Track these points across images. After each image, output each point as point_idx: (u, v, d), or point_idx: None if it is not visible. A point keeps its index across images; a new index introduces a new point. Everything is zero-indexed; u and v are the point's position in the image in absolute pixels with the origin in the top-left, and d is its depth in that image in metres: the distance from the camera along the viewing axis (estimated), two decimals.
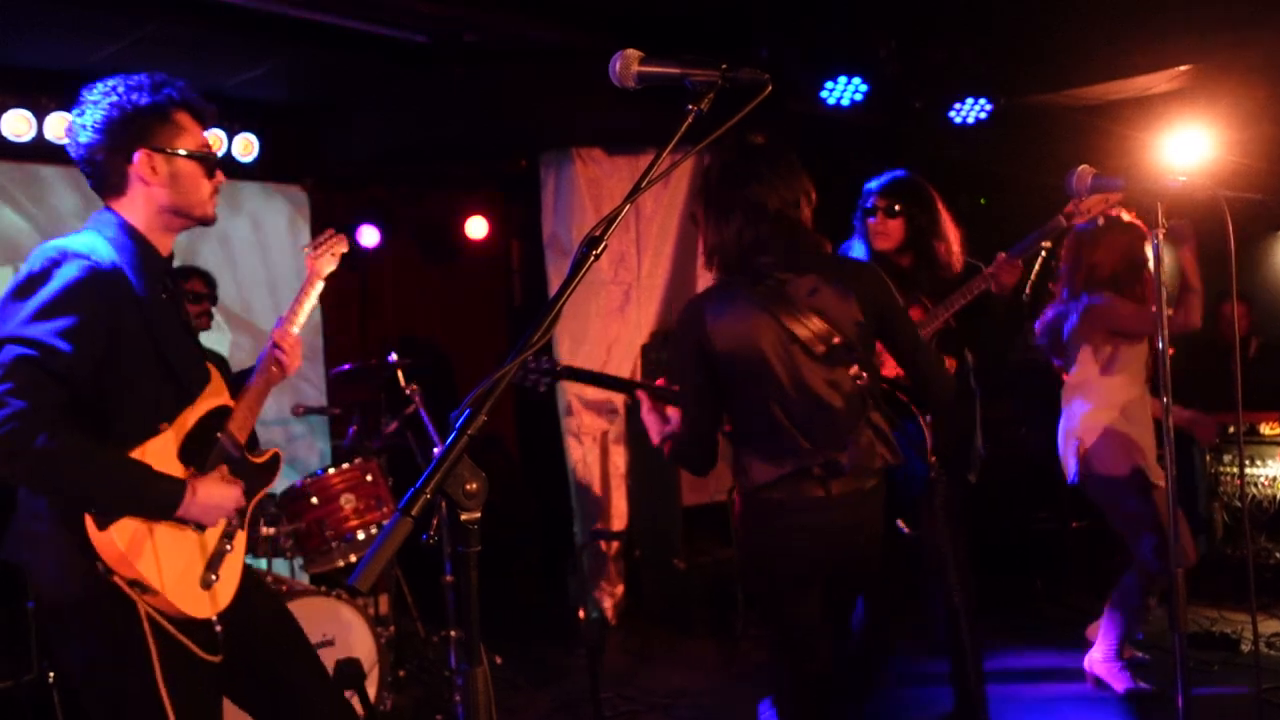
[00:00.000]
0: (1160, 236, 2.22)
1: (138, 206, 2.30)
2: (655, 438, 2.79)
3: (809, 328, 2.52)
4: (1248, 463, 5.43)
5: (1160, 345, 2.24)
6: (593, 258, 1.46)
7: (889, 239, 3.75)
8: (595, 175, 5.73)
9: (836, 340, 2.53)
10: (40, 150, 4.88)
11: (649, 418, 2.81)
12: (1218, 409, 5.31)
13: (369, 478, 4.15)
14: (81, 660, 2.20)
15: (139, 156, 2.26)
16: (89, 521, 2.08)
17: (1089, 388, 4.07)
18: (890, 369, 2.89)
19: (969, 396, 3.95)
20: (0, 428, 1.96)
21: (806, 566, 2.63)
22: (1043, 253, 4.71)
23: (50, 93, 4.81)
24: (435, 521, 3.77)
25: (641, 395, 2.86)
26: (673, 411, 2.78)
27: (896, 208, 3.73)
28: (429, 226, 6.38)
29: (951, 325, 3.72)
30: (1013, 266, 3.61)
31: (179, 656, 2.18)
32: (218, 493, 2.26)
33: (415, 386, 4.51)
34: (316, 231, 5.91)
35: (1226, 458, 5.54)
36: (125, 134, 2.26)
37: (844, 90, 4.73)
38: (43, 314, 2.05)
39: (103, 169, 2.27)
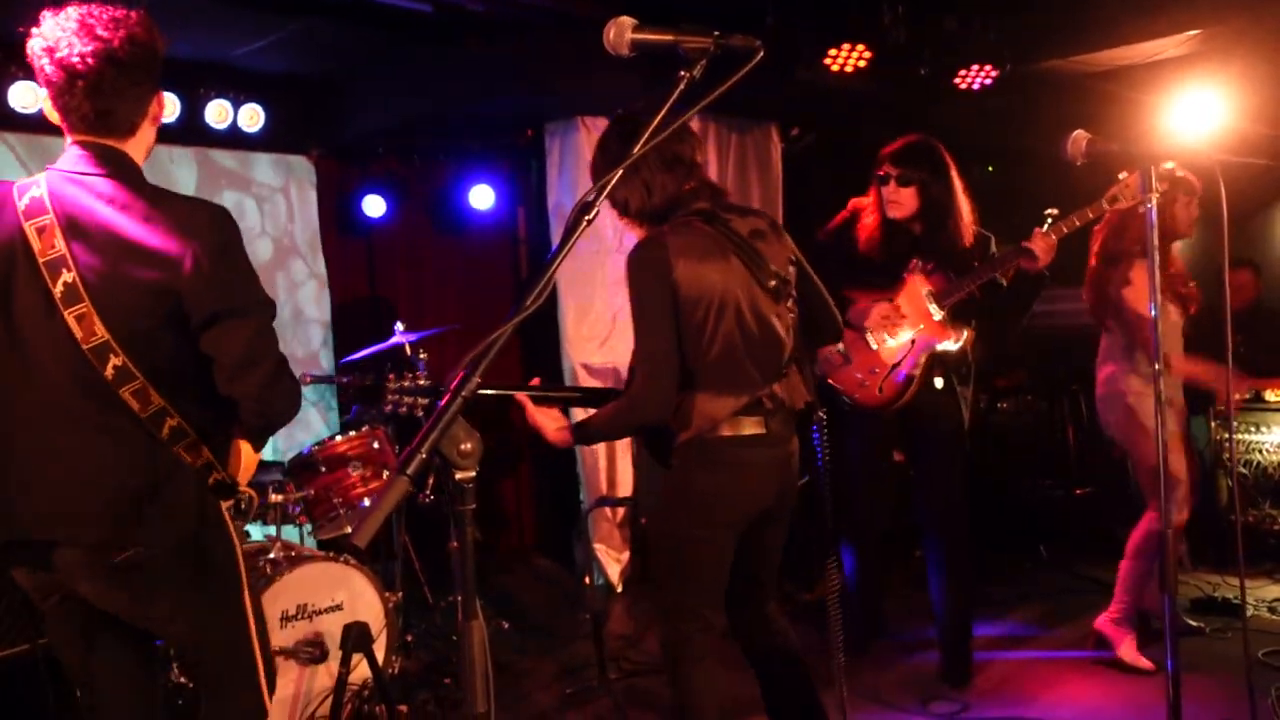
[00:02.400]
0: (1154, 201, 2.23)
1: (141, 149, 2.26)
2: (553, 434, 2.81)
3: (760, 265, 2.67)
4: (1253, 429, 5.44)
5: (1153, 311, 2.26)
6: (585, 222, 1.48)
7: (902, 208, 3.78)
8: None
9: (781, 277, 2.70)
10: (47, 122, 4.89)
11: (538, 418, 2.84)
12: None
13: (376, 445, 4.19)
14: None
15: (159, 95, 2.24)
16: None
17: (1133, 346, 4.06)
18: None
19: (965, 364, 3.99)
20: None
21: (749, 504, 2.72)
22: (1049, 219, 4.73)
23: None
24: (432, 481, 3.83)
25: (522, 399, 2.85)
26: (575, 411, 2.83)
27: (910, 176, 3.74)
28: (436, 196, 6.40)
29: (976, 296, 3.75)
30: (1048, 245, 3.61)
31: None
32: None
33: (424, 355, 4.55)
34: (324, 202, 5.98)
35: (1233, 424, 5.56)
36: (156, 69, 2.20)
37: (849, 57, 4.71)
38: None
39: (125, 104, 2.16)
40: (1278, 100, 5.28)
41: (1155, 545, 4.08)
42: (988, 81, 5.00)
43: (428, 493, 4.21)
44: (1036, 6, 4.87)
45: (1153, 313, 2.22)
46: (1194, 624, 4.49)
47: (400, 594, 4.20)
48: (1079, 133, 2.44)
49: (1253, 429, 5.44)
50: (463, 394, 1.35)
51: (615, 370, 5.78)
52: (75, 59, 2.07)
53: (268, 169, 5.82)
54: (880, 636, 4.44)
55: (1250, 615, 4.58)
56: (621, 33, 1.66)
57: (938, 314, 3.80)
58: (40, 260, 2.07)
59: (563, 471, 6.09)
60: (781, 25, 4.67)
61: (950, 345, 3.84)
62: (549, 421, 2.84)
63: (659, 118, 1.59)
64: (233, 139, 5.49)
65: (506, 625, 4.84)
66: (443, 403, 1.35)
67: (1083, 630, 4.38)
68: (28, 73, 4.72)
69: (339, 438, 4.18)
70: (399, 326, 4.69)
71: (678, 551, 2.75)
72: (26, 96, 4.73)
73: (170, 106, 5.11)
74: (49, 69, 2.11)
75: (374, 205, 5.99)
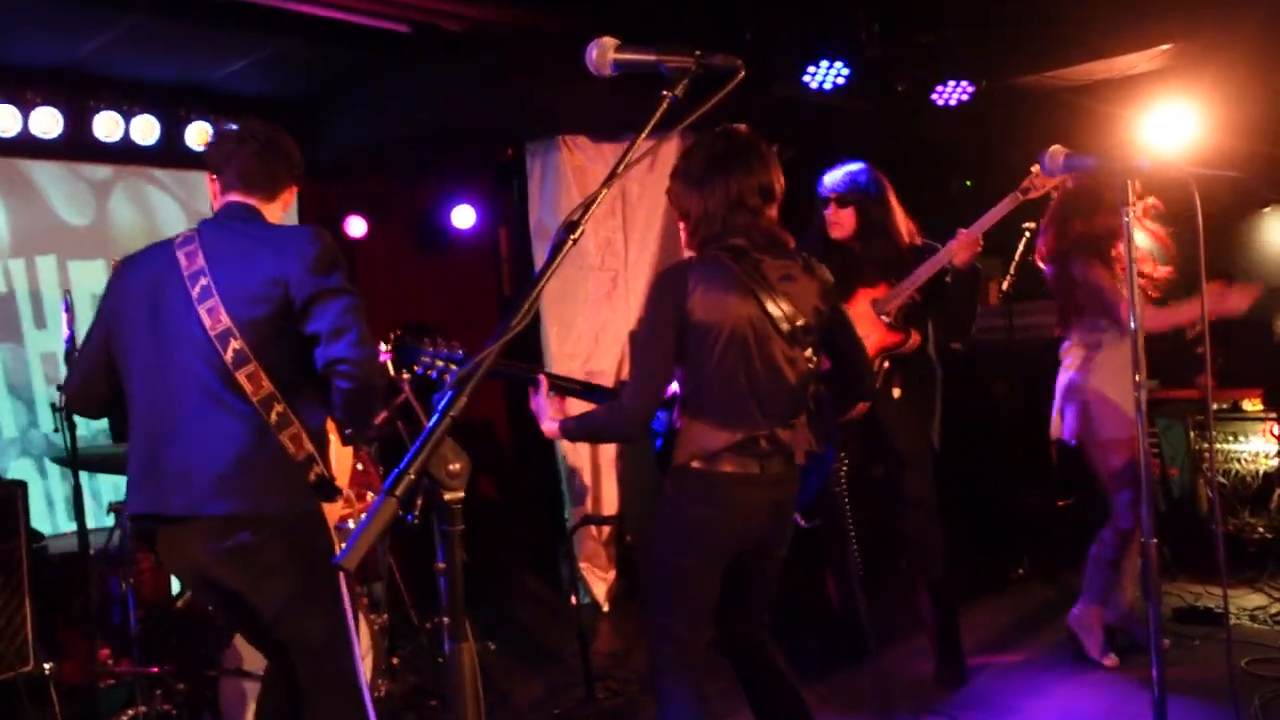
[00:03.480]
0: (1131, 214, 2.26)
1: (274, 215, 2.80)
2: (548, 423, 2.84)
3: (780, 307, 2.69)
4: (1231, 439, 5.48)
5: (1132, 323, 2.28)
6: (570, 242, 1.49)
7: (842, 228, 4.03)
8: (580, 163, 5.75)
9: (800, 322, 2.71)
10: (25, 146, 4.88)
11: (543, 402, 2.87)
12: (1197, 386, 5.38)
13: (359, 466, 4.17)
14: None
15: (294, 187, 2.88)
16: None
17: (1091, 348, 4.12)
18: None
19: (930, 370, 4.11)
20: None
21: (734, 539, 2.73)
22: (1027, 234, 4.78)
23: (36, 88, 4.81)
24: (420, 502, 3.81)
25: (542, 379, 2.91)
26: (573, 405, 2.92)
27: (847, 199, 3.99)
28: (417, 216, 6.40)
29: (916, 299, 3.96)
30: (971, 242, 3.82)
31: None
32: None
33: (406, 375, 4.54)
34: (305, 221, 5.97)
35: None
36: (295, 163, 2.87)
37: (827, 74, 4.75)
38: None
39: (269, 173, 2.78)
40: (1249, 113, 5.35)
41: (1112, 555, 4.15)
42: (964, 97, 5.06)
43: (416, 514, 4.19)
44: (1011, 22, 4.93)
45: (1133, 325, 2.24)
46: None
47: (386, 616, 4.18)
48: (1056, 147, 2.47)
49: (1231, 438, 5.48)
50: (450, 413, 1.35)
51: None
52: (246, 133, 2.78)
53: None
54: (870, 648, 4.46)
55: (1233, 624, 4.60)
56: (604, 53, 1.67)
57: (884, 319, 3.97)
58: (185, 273, 2.60)
59: (548, 490, 6.07)
60: (760, 42, 4.72)
61: (894, 348, 4.00)
62: (550, 410, 2.88)
63: (643, 134, 1.60)
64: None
65: (493, 646, 4.82)
66: (431, 422, 1.34)
67: (1068, 641, 4.40)
68: (6, 96, 4.71)
69: None
70: (381, 346, 4.67)
71: (662, 574, 2.78)
72: (6, 121, 4.72)
73: (149, 129, 5.11)
74: (227, 138, 2.79)
75: (355, 225, 5.98)
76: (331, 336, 2.50)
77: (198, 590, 2.84)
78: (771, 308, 2.67)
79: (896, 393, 4.03)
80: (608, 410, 2.76)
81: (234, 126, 2.83)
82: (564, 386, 3.01)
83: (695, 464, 2.67)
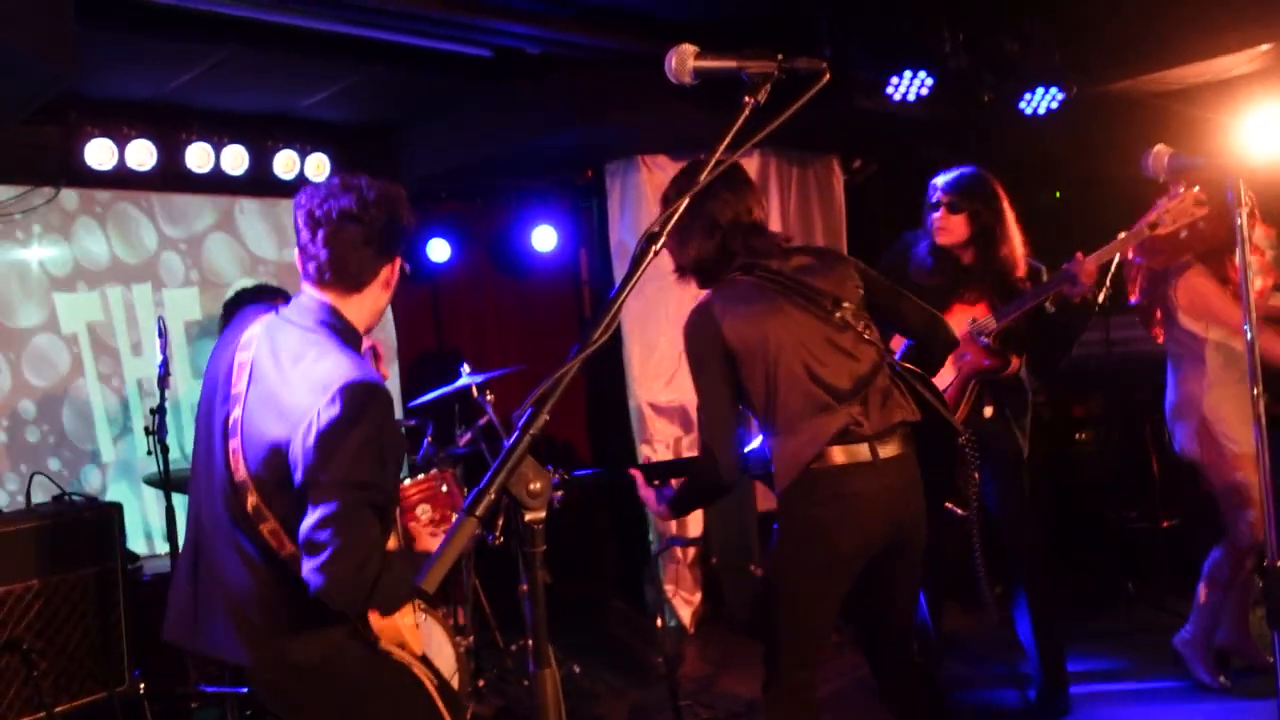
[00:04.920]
0: (1243, 216, 2.14)
1: (365, 308, 2.29)
2: (655, 506, 2.83)
3: (813, 298, 2.63)
4: None
5: (1248, 332, 2.16)
6: (652, 252, 1.45)
7: (951, 234, 3.81)
8: (660, 182, 5.72)
9: (844, 303, 2.65)
10: (122, 179, 5.03)
11: (646, 492, 2.86)
12: None
13: (444, 488, 4.18)
14: None
15: (395, 262, 2.32)
16: None
17: (1204, 355, 3.93)
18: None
19: (1021, 391, 3.94)
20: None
21: (858, 538, 2.61)
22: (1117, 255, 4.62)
23: (130, 122, 4.96)
24: (501, 522, 3.82)
25: (635, 474, 2.89)
26: (674, 483, 2.86)
27: (960, 204, 3.77)
28: (499, 238, 6.44)
29: (1021, 324, 3.74)
30: (1092, 269, 3.58)
31: None
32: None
33: (490, 397, 4.56)
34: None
35: None
36: (395, 239, 2.29)
37: (910, 85, 4.66)
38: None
39: (357, 260, 2.24)
40: None
41: (1228, 574, 3.93)
42: (1053, 105, 4.91)
43: (497, 534, 4.19)
44: (1100, 27, 4.79)
45: (1248, 334, 2.12)
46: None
47: (471, 638, 4.17)
48: (1160, 147, 2.36)
49: None
50: (531, 431, 1.32)
51: (682, 408, 5.74)
52: (319, 212, 2.19)
53: None
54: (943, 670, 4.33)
55: None
56: (684, 60, 1.64)
57: (984, 340, 3.78)
58: (231, 390, 2.23)
59: (633, 512, 6.04)
60: (840, 55, 4.64)
61: (993, 372, 3.82)
62: (653, 498, 2.87)
63: (725, 142, 1.55)
64: (300, 188, 5.58)
65: (578, 669, 4.78)
66: (510, 440, 1.31)
67: (1180, 666, 4.20)
68: (103, 130, 4.87)
69: (407, 481, 4.18)
70: (465, 369, 4.70)
71: (782, 593, 2.68)
72: (103, 154, 4.86)
73: (239, 159, 5.23)
74: (299, 218, 2.24)
75: (438, 249, 6.04)
76: (305, 548, 2.05)
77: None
78: (804, 300, 2.63)
79: (988, 411, 3.85)
80: (695, 474, 2.72)
81: (312, 197, 2.25)
82: (657, 471, 2.98)
83: (804, 470, 2.58)
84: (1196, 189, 3.37)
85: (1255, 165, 2.32)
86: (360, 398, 2.05)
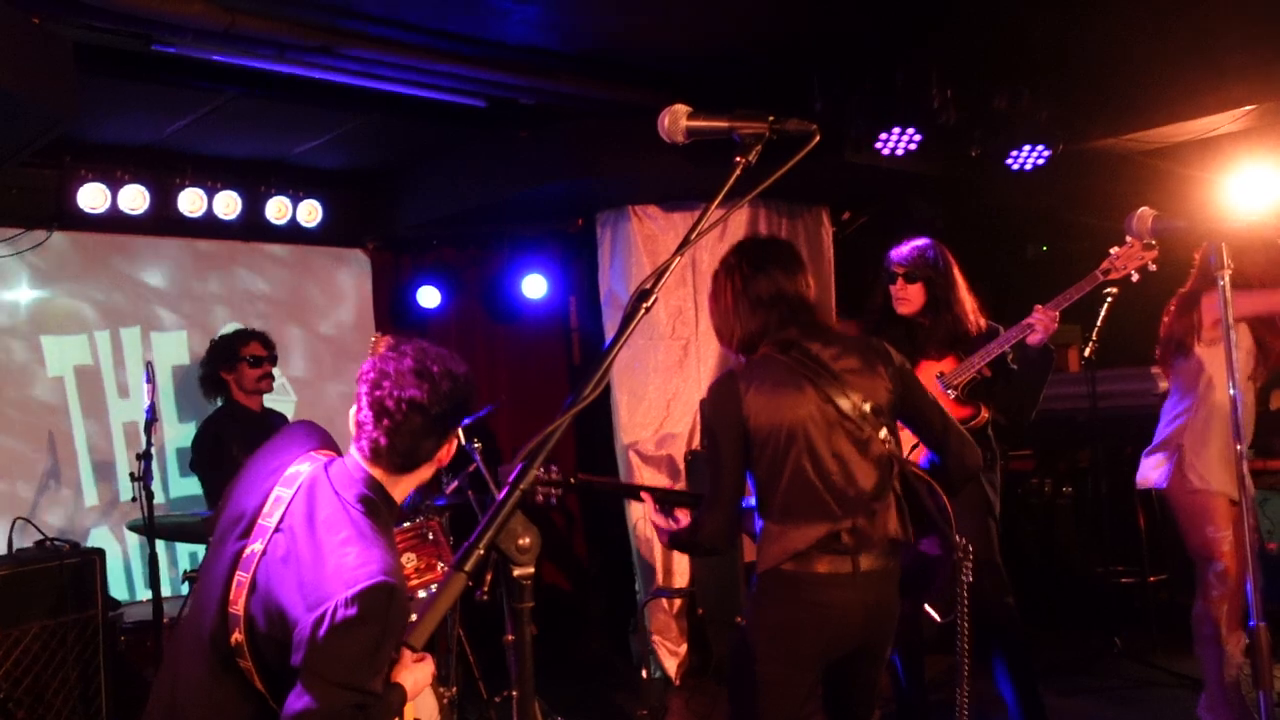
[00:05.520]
0: (1226, 277, 2.17)
1: (411, 484, 2.24)
2: (663, 538, 2.85)
3: (842, 393, 2.59)
4: None
5: (1231, 391, 2.18)
6: (643, 310, 1.46)
7: (909, 304, 4.02)
8: (651, 231, 5.77)
9: (868, 406, 2.60)
10: (113, 222, 5.05)
11: (657, 519, 2.87)
12: None
13: (430, 536, 4.15)
14: None
15: (451, 442, 2.23)
16: None
17: (1199, 390, 3.97)
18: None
19: (989, 445, 4.02)
20: None
21: (827, 645, 2.61)
22: (1109, 299, 4.67)
23: (124, 166, 4.99)
24: (489, 577, 3.79)
25: (646, 498, 2.93)
26: (681, 514, 2.86)
27: (916, 274, 3.98)
28: (489, 286, 6.46)
29: (985, 374, 3.90)
30: (1049, 318, 3.74)
31: None
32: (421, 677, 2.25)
33: (478, 444, 4.54)
34: (379, 293, 6.06)
35: None
36: (459, 419, 2.22)
37: (899, 140, 4.72)
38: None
39: (418, 450, 2.16)
40: None
41: (1210, 630, 3.94)
42: (1040, 161, 4.97)
43: (484, 590, 4.15)
44: (1087, 86, 4.86)
45: (1231, 392, 2.14)
46: None
47: (455, 689, 4.13)
48: (1145, 209, 2.40)
49: None
50: (520, 486, 1.31)
51: (669, 457, 5.73)
52: (390, 402, 2.10)
53: (326, 262, 5.93)
54: None
55: None
56: (676, 120, 1.66)
57: (951, 394, 3.91)
58: (257, 521, 2.16)
59: (618, 562, 6.00)
60: (831, 110, 4.71)
61: (964, 423, 3.86)
62: (661, 523, 2.90)
63: (716, 200, 1.57)
64: (291, 234, 5.62)
65: None
66: (500, 495, 1.31)
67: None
68: (97, 174, 4.89)
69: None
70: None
71: (747, 683, 2.66)
72: (96, 198, 4.88)
73: (231, 204, 5.26)
74: (364, 399, 2.15)
75: (428, 296, 6.06)
76: None
77: None
78: (833, 394, 2.59)
79: None
80: (690, 530, 2.74)
81: (380, 374, 2.14)
82: (667, 499, 3.00)
83: (785, 566, 2.57)
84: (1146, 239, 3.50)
85: (1237, 225, 2.35)
86: (378, 602, 1.99)
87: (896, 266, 4.02)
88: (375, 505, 2.15)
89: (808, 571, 2.55)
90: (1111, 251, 3.75)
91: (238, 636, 2.09)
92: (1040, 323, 3.73)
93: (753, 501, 2.77)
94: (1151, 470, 4.07)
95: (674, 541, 2.84)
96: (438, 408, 2.11)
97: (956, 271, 4.02)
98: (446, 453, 2.22)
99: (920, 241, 4.05)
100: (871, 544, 2.58)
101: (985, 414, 3.94)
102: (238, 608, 2.10)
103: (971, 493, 3.93)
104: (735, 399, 2.60)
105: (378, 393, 2.12)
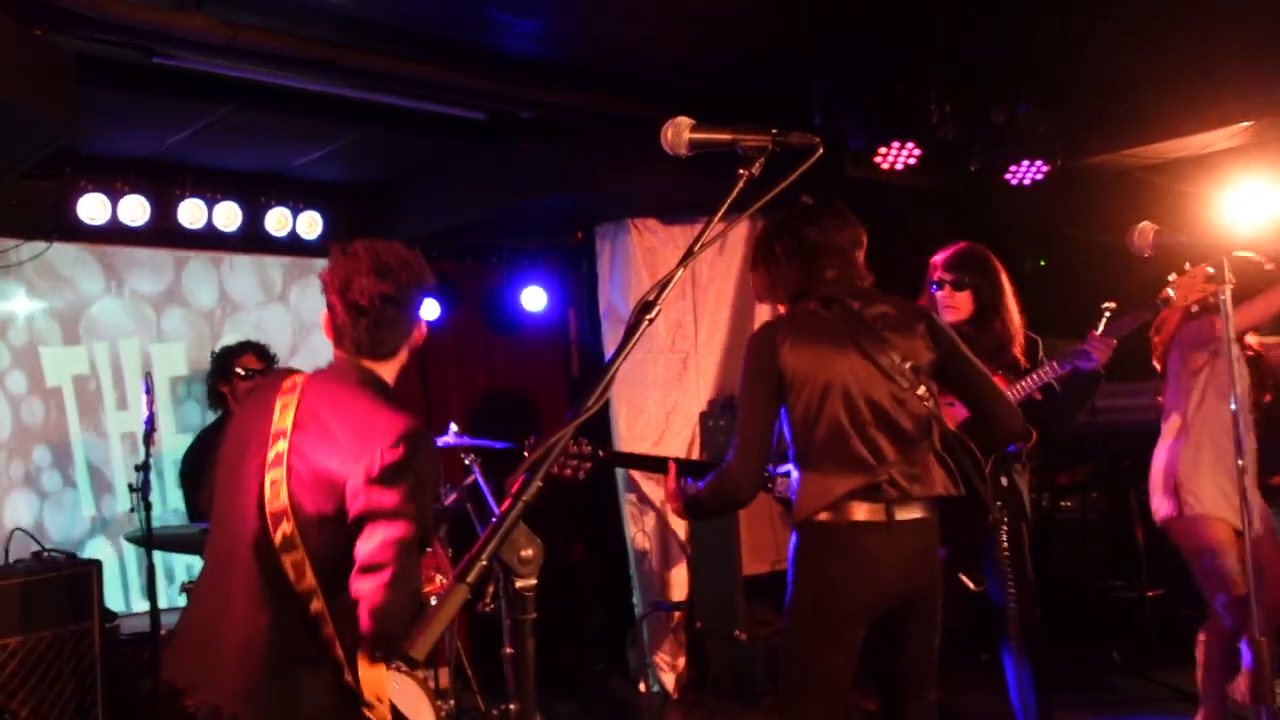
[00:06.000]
0: (1226, 292, 2.17)
1: (395, 367, 2.46)
2: (677, 506, 2.86)
3: (881, 350, 2.63)
4: None
5: (1233, 407, 2.18)
6: (646, 322, 1.46)
7: (958, 311, 3.82)
8: (651, 245, 5.77)
9: (907, 365, 2.64)
10: (113, 233, 5.05)
11: (672, 484, 2.89)
12: None
13: (428, 549, 4.15)
14: None
15: (421, 324, 2.48)
16: None
17: (1187, 413, 3.95)
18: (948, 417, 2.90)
19: (1023, 460, 3.93)
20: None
21: (868, 595, 2.61)
22: (1106, 314, 4.67)
23: (124, 177, 4.99)
24: (491, 589, 3.78)
25: (671, 465, 2.92)
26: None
27: (965, 280, 3.81)
28: (489, 298, 6.47)
29: (1037, 398, 3.74)
30: (1106, 345, 3.62)
31: None
32: None
33: (475, 457, 4.54)
34: None
35: None
36: (421, 302, 2.44)
37: (898, 155, 4.73)
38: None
39: (395, 336, 2.41)
40: None
41: (1220, 656, 3.91)
42: (1038, 176, 4.98)
43: (487, 602, 4.13)
44: (1086, 101, 4.88)
45: (1233, 407, 2.15)
46: None
47: (453, 702, 4.11)
48: (1146, 224, 2.40)
49: None
50: (524, 498, 1.31)
51: None
52: (364, 300, 2.33)
53: None
54: None
55: None
56: (680, 133, 1.66)
57: None
58: (271, 429, 2.33)
59: (617, 575, 5.99)
60: (830, 125, 4.72)
61: (1016, 445, 3.79)
62: (677, 491, 2.89)
63: (719, 213, 1.58)
64: (292, 246, 5.62)
65: None
66: (502, 507, 1.31)
67: None
68: (96, 185, 4.89)
69: None
70: (452, 427, 4.68)
71: (795, 644, 2.67)
72: (96, 209, 4.88)
73: (231, 216, 5.26)
74: (337, 305, 2.37)
75: (428, 308, 6.02)
76: (364, 569, 2.19)
77: None
78: (872, 350, 2.63)
79: (1004, 480, 3.80)
80: (717, 479, 2.73)
81: (347, 281, 2.37)
82: (692, 468, 2.98)
83: (820, 516, 2.60)
84: (1203, 266, 3.41)
85: (1236, 240, 2.37)
86: (419, 443, 2.25)
87: (944, 272, 3.85)
88: (380, 384, 2.41)
89: (843, 521, 2.57)
90: (1171, 278, 3.59)
91: (285, 529, 2.24)
92: (1098, 351, 3.62)
93: (784, 468, 2.77)
94: (1159, 504, 4.00)
95: (690, 504, 2.82)
96: (404, 295, 2.37)
97: (1004, 279, 3.85)
98: (419, 333, 2.47)
99: (965, 246, 3.90)
100: (910, 497, 2.60)
101: (1035, 437, 3.74)
102: (279, 503, 2.26)
103: (1016, 510, 3.84)
104: (772, 349, 2.63)
105: (350, 295, 2.34)
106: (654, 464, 3.10)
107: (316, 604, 2.25)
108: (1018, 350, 3.80)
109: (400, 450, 2.21)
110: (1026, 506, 3.88)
